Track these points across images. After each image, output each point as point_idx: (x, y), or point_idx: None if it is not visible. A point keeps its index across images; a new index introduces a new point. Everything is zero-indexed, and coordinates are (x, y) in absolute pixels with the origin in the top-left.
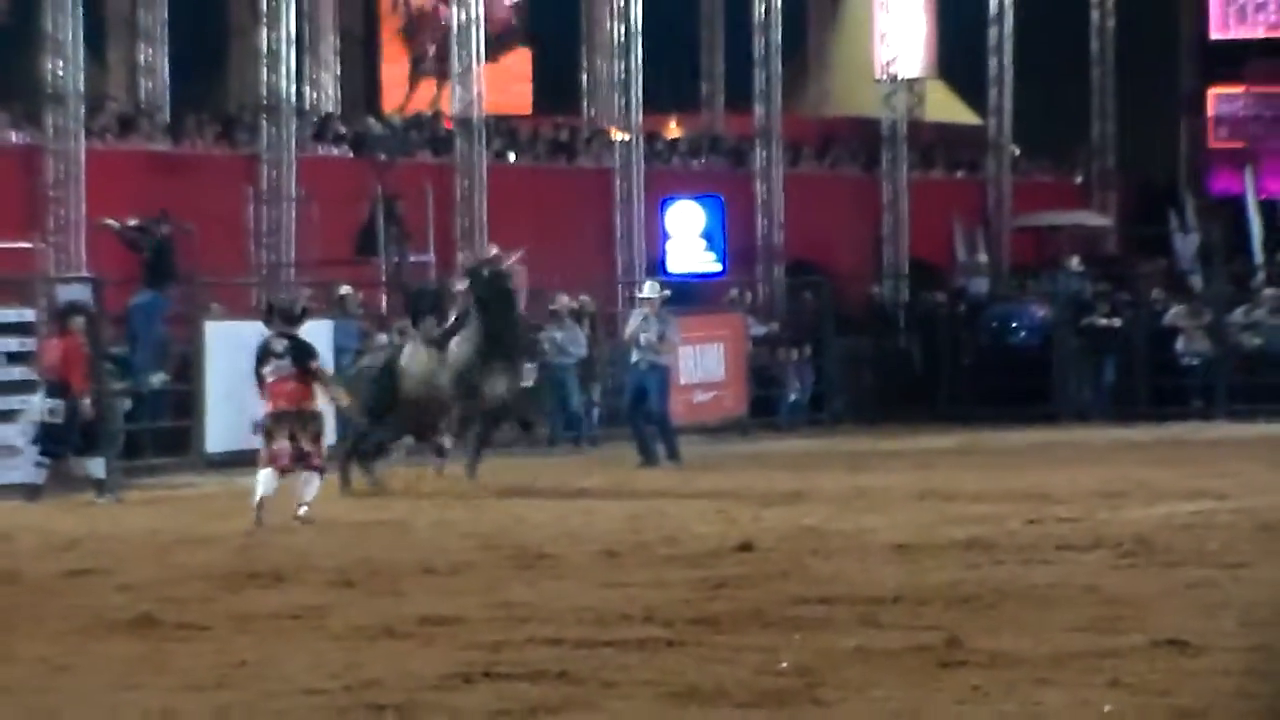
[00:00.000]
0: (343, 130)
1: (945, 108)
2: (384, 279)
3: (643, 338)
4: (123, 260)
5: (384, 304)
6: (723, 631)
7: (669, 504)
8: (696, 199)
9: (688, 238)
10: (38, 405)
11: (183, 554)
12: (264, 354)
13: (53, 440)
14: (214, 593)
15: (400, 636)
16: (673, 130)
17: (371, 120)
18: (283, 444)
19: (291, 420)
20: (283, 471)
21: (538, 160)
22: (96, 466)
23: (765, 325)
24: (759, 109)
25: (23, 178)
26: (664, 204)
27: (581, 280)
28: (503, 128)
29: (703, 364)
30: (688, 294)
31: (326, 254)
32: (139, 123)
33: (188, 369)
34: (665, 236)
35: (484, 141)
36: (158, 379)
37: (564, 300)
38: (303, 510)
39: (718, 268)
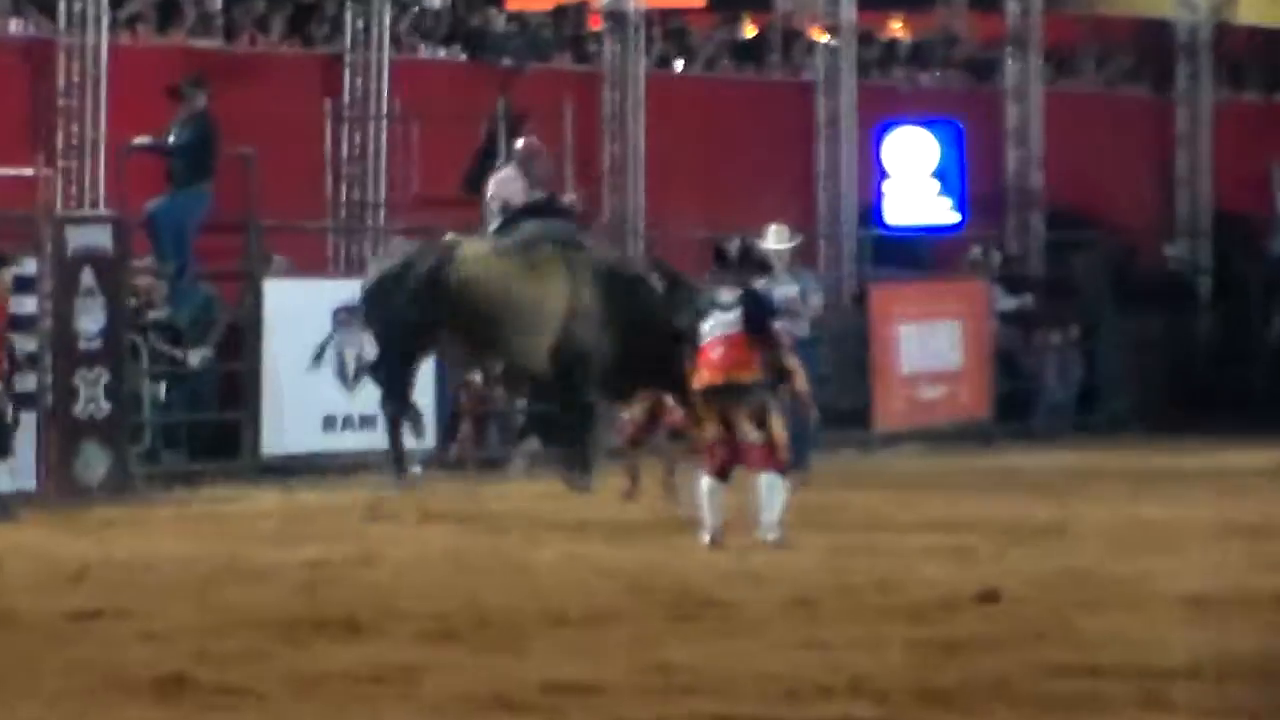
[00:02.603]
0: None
1: (1263, 8)
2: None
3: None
4: (157, 189)
5: None
6: (956, 710)
7: (885, 537)
8: (926, 124)
9: (913, 177)
10: None
11: (228, 592)
12: (701, 310)
13: None
14: (268, 645)
15: (519, 709)
16: (897, 32)
17: (493, 12)
18: (714, 431)
19: (723, 397)
20: (720, 473)
21: (713, 70)
22: None
23: (1017, 297)
24: (1012, 6)
25: (26, 82)
26: (881, 131)
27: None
28: (669, 26)
29: (930, 348)
30: (912, 254)
31: (428, 190)
32: (181, 11)
33: (238, 342)
34: (882, 175)
35: (643, 44)
36: (198, 356)
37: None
38: (771, 535)
39: (954, 218)
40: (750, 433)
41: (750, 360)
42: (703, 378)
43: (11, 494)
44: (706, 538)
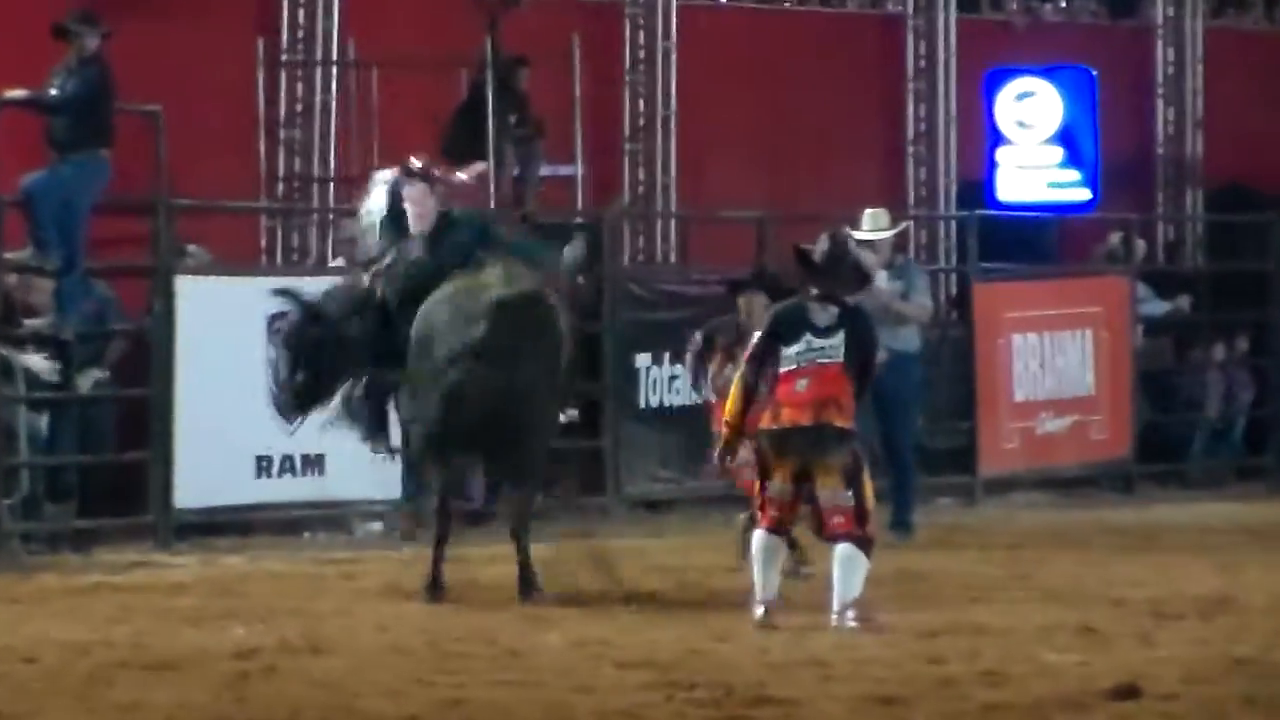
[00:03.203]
0: None
1: None
2: (493, 204)
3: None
4: (38, 159)
5: None
6: None
7: (992, 613)
8: (1049, 73)
9: (1032, 141)
10: None
11: (130, 688)
12: (786, 323)
13: None
14: None
15: None
16: None
17: None
18: (782, 486)
19: (805, 445)
20: (779, 528)
21: (771, 1)
22: None
23: (1169, 300)
24: None
25: None
26: (992, 81)
27: (846, 210)
28: None
29: (1055, 366)
30: (1030, 242)
31: (390, 161)
32: None
33: (144, 360)
34: (995, 139)
35: None
36: (90, 379)
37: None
38: (849, 615)
39: (1084, 195)
40: (837, 493)
41: (847, 400)
42: (780, 415)
43: None
44: (760, 610)
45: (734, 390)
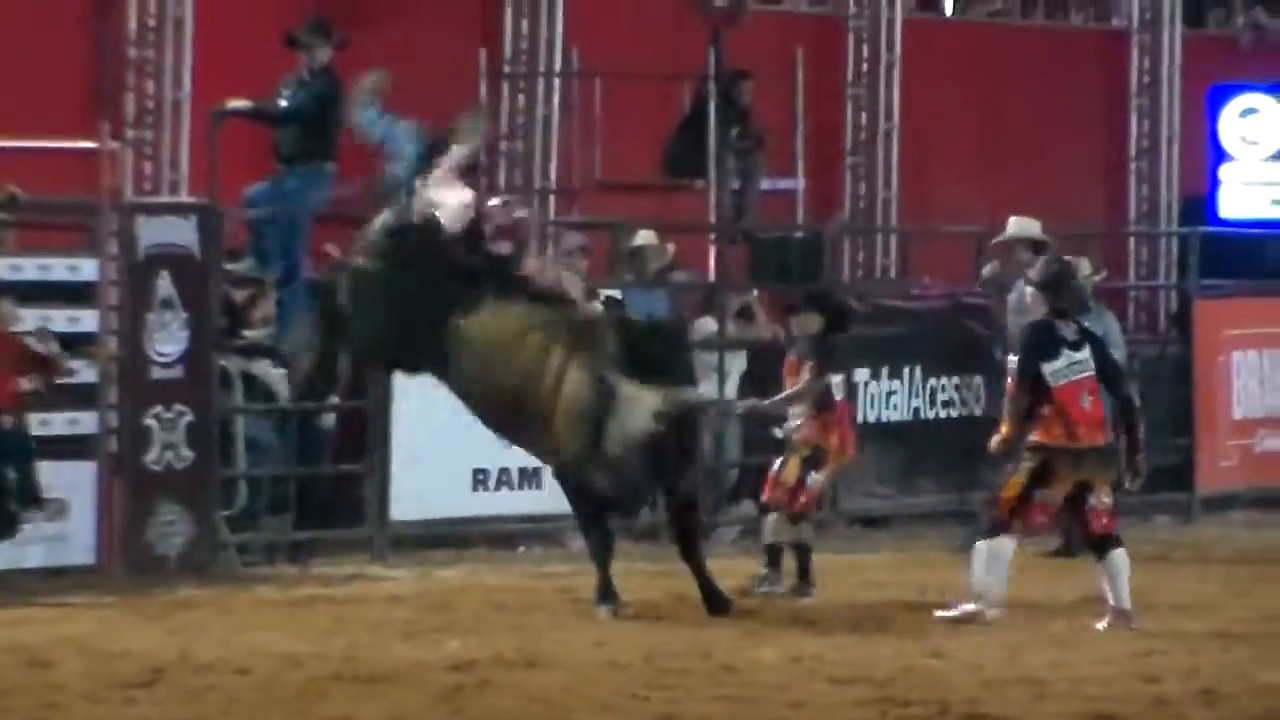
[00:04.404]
0: None
1: None
2: (713, 219)
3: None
4: (260, 169)
5: (711, 262)
6: None
7: (1208, 630)
8: (1272, 90)
9: (1255, 158)
10: None
11: (345, 701)
12: (1044, 339)
13: None
14: None
15: None
16: None
17: None
18: (1058, 496)
19: (1099, 463)
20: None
21: (994, 17)
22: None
23: None
24: None
25: (87, 27)
26: (1216, 97)
27: (1066, 227)
28: None
29: (1275, 383)
30: (1253, 259)
31: (612, 174)
32: None
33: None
34: (1218, 156)
35: None
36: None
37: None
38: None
39: None
40: (1104, 498)
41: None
42: (1077, 434)
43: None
44: (990, 612)
45: (1011, 413)
